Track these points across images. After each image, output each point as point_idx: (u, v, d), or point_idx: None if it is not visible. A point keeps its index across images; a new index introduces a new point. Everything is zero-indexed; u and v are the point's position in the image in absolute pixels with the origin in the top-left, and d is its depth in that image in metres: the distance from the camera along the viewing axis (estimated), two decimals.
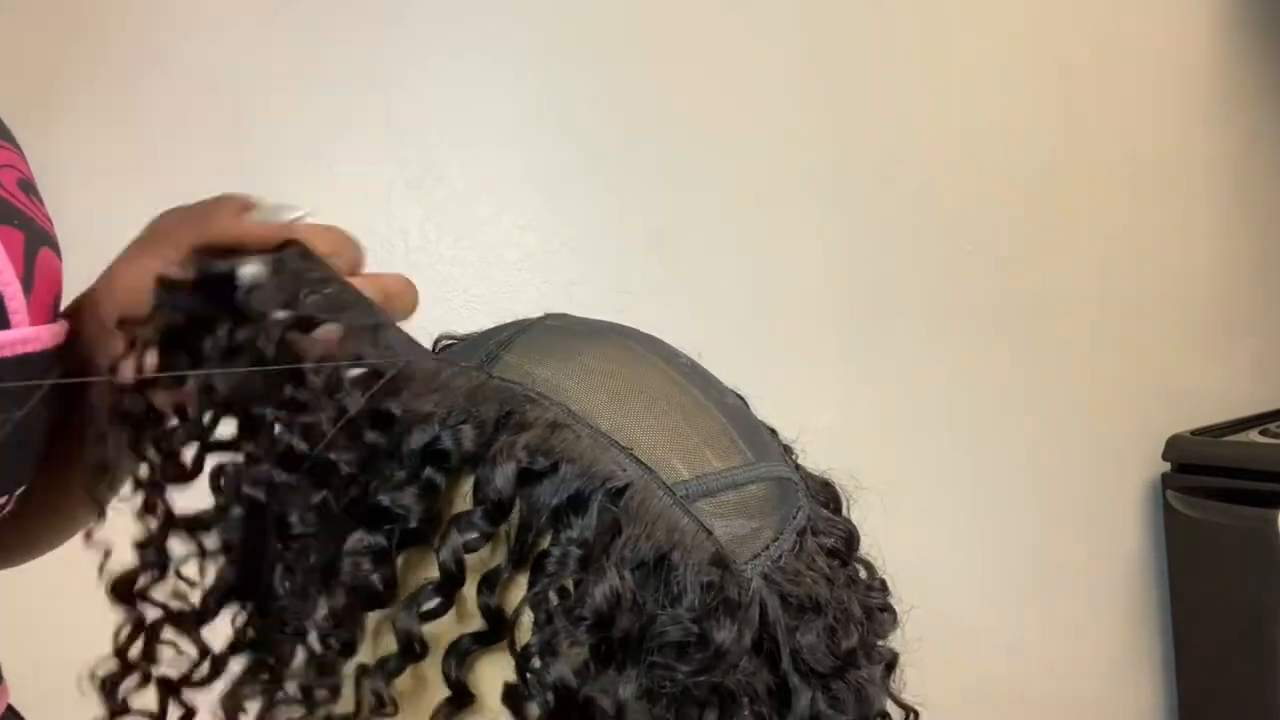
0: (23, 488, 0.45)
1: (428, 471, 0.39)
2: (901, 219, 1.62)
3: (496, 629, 0.38)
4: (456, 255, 1.31)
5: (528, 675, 0.37)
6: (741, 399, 0.49)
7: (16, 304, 0.43)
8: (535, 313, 0.50)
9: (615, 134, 1.42)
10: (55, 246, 0.47)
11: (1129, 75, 1.87)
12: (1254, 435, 1.84)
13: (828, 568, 0.42)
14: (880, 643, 0.45)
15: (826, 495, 0.48)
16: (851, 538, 0.46)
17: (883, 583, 0.47)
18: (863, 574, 0.46)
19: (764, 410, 0.49)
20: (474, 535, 0.38)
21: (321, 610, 0.40)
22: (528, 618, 0.38)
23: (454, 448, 0.39)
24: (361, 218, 1.12)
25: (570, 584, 0.37)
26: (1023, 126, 1.74)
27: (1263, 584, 1.68)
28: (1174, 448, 1.85)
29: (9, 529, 0.51)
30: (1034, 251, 1.76)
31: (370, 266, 0.49)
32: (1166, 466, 1.86)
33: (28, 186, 0.47)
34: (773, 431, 0.48)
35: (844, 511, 0.48)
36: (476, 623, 0.39)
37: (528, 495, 0.39)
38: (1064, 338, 1.79)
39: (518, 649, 0.38)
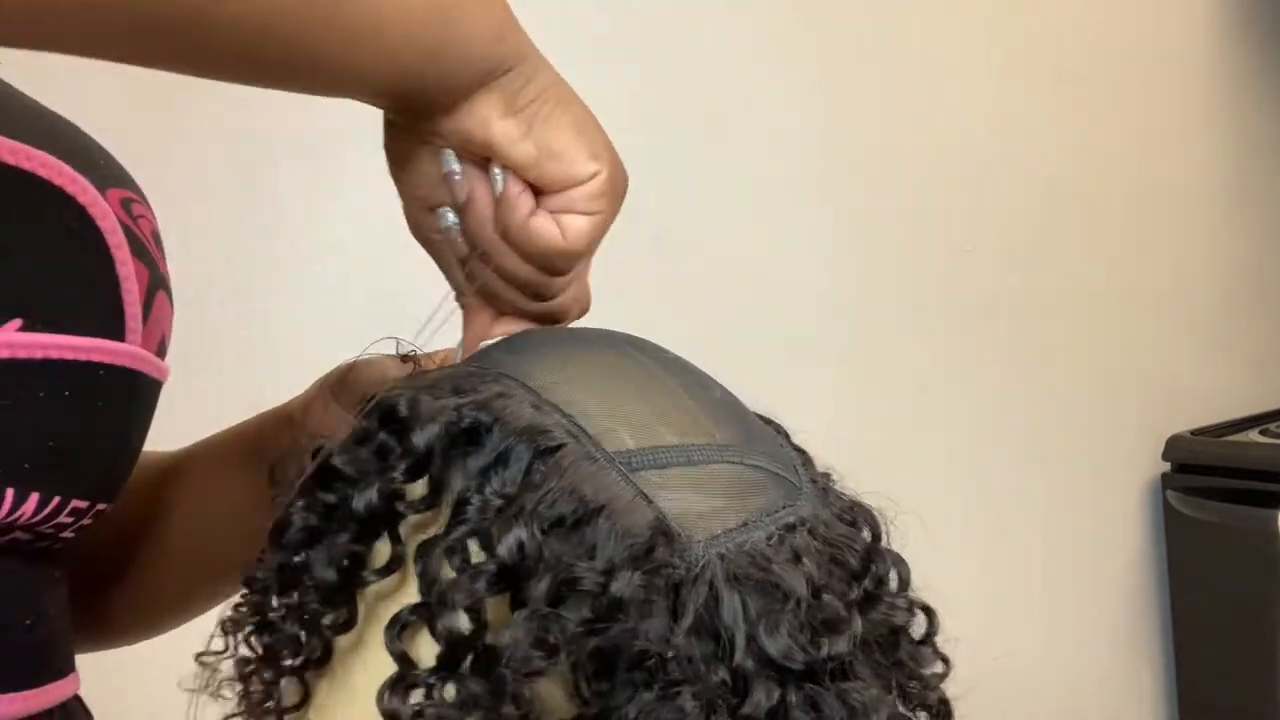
0: (106, 505, 0.48)
1: (381, 435, 0.41)
2: (901, 219, 1.62)
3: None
4: None
5: (432, 623, 0.37)
6: (777, 425, 0.48)
7: (135, 324, 0.46)
8: None
9: (614, 135, 1.41)
10: (170, 293, 0.50)
11: (1129, 75, 1.87)
12: (1254, 435, 1.84)
13: (817, 570, 0.40)
14: (923, 687, 0.44)
15: (854, 515, 0.46)
16: (870, 556, 0.44)
17: (928, 610, 0.46)
18: (901, 604, 0.45)
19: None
20: (393, 484, 0.39)
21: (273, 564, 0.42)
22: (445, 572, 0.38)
23: (406, 412, 0.41)
24: (362, 218, 1.12)
25: (491, 533, 0.37)
26: (1022, 127, 1.75)
27: (1263, 584, 1.68)
28: (1174, 448, 1.85)
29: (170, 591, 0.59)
30: (1034, 252, 1.76)
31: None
32: (1166, 466, 1.86)
33: (157, 237, 0.51)
34: (801, 451, 0.47)
35: (883, 540, 0.46)
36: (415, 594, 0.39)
37: (463, 462, 0.40)
38: (1064, 337, 1.79)
39: (423, 597, 0.38)
